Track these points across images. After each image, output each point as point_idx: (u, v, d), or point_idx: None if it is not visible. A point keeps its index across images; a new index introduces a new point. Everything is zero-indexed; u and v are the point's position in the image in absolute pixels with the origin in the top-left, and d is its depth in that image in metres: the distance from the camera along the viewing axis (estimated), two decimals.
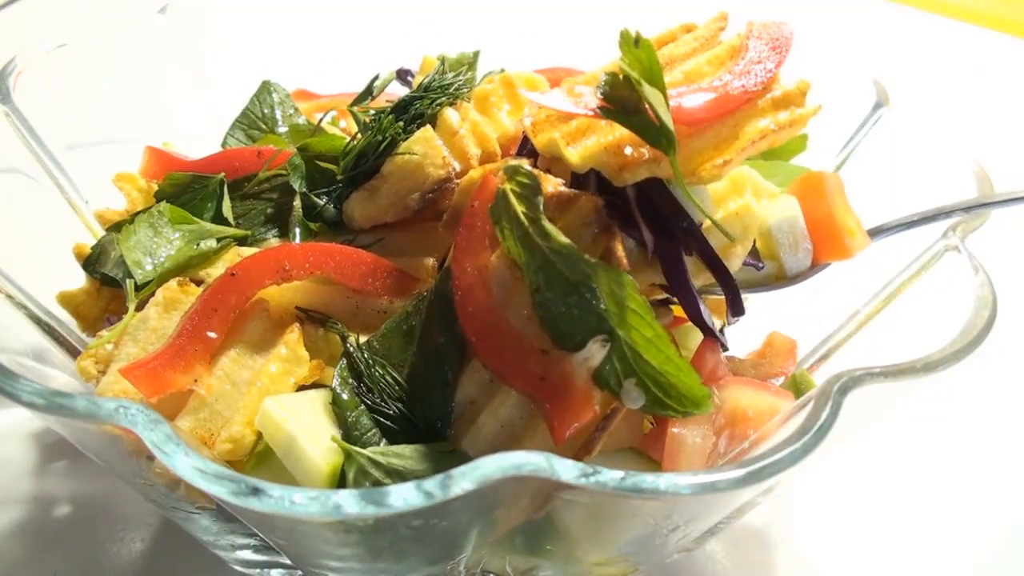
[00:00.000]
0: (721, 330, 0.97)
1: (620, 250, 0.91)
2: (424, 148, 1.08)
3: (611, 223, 0.92)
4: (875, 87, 1.33)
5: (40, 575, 1.08)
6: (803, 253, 1.05)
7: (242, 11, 1.72)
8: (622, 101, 0.86)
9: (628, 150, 0.88)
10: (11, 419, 1.26)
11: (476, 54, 1.61)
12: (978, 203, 1.01)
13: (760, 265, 1.05)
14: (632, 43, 0.84)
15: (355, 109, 1.20)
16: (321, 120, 1.25)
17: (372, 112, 1.16)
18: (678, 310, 1.28)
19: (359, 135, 1.18)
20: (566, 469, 0.65)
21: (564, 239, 0.84)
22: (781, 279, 1.06)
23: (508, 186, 0.88)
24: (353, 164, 1.10)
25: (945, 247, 1.02)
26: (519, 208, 0.86)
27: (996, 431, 1.35)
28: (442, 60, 1.35)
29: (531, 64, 1.58)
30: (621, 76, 0.86)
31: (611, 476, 0.65)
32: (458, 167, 1.08)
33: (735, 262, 0.96)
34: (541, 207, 0.86)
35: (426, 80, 1.17)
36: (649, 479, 0.65)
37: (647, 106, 0.84)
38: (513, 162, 0.93)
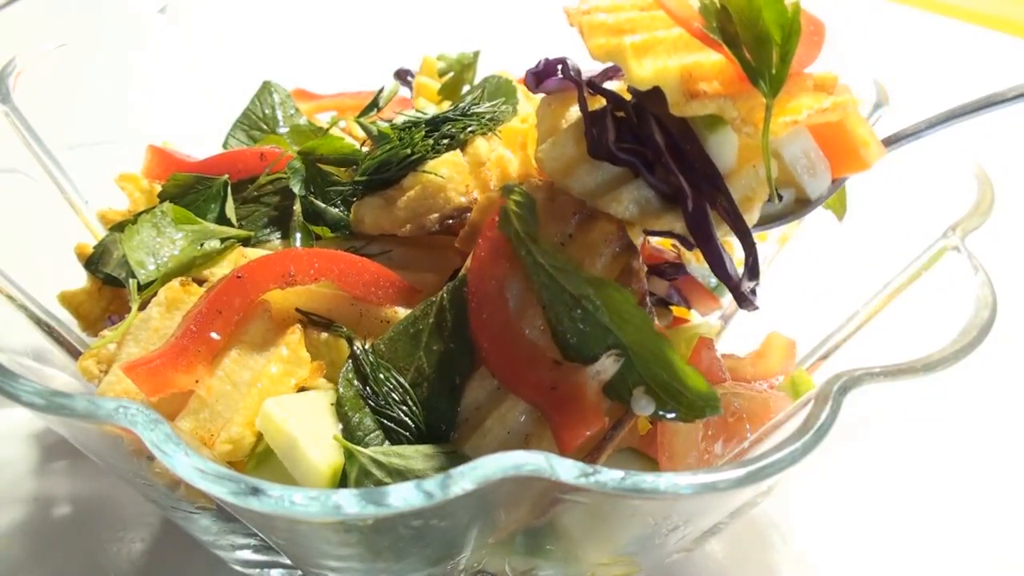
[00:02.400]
0: (752, 290, 0.94)
1: (640, 268, 0.92)
2: (451, 172, 1.08)
3: (632, 242, 0.92)
4: (875, 87, 1.33)
5: (40, 575, 1.08)
6: (822, 173, 1.00)
7: (242, 11, 1.72)
8: (723, 30, 0.84)
9: (702, 82, 0.85)
10: (11, 419, 1.26)
11: (476, 54, 1.61)
12: (994, 100, 0.98)
13: (779, 197, 0.98)
14: None
15: (363, 120, 1.20)
16: (331, 127, 1.25)
17: (404, 118, 1.15)
18: (678, 311, 1.28)
19: (368, 142, 1.19)
20: (566, 469, 0.65)
21: (560, 257, 0.85)
22: (803, 204, 1.02)
23: (508, 205, 0.89)
24: (374, 170, 1.10)
25: (945, 247, 1.02)
26: (519, 226, 0.87)
27: (996, 431, 1.35)
28: (483, 87, 1.35)
29: (531, 65, 1.58)
30: (719, 5, 0.84)
31: (611, 476, 0.65)
32: (478, 198, 1.08)
33: (753, 215, 0.93)
34: (535, 225, 0.87)
35: (464, 104, 1.17)
36: (649, 479, 0.65)
37: (744, 44, 0.83)
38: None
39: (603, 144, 0.92)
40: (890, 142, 1.03)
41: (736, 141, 0.91)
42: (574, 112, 0.99)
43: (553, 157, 0.95)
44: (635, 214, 0.91)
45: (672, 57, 0.87)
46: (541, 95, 1.02)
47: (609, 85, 0.97)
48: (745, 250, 0.92)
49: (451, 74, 1.61)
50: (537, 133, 1.01)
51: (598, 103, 0.96)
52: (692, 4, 0.90)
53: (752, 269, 0.92)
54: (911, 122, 1.08)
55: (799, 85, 0.90)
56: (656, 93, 0.87)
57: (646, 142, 0.92)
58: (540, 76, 1.00)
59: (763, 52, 0.83)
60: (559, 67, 0.99)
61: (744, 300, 0.93)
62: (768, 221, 0.99)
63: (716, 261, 0.90)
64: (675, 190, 0.90)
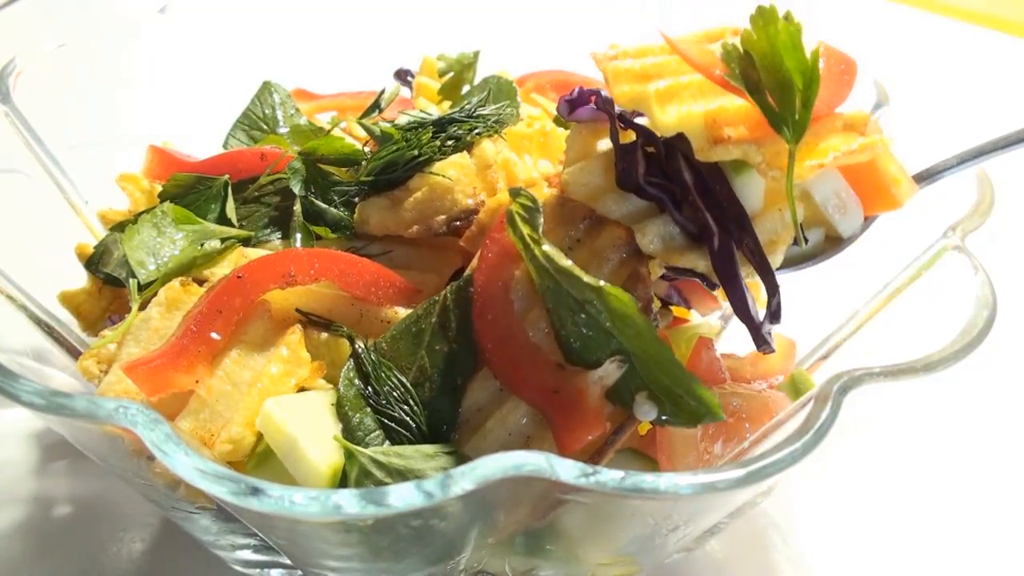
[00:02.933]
0: (768, 332, 0.94)
1: (647, 274, 0.92)
2: (458, 174, 1.08)
3: (640, 248, 0.92)
4: (875, 87, 1.33)
5: (40, 575, 1.08)
6: (854, 211, 0.99)
7: (242, 11, 1.72)
8: (746, 77, 0.84)
9: (727, 127, 0.85)
10: (11, 419, 1.26)
11: (476, 54, 1.62)
12: None
13: (805, 240, 0.97)
14: (766, 21, 0.82)
15: (365, 122, 1.20)
16: (332, 127, 1.25)
17: (410, 118, 1.15)
18: (678, 311, 1.28)
19: (369, 142, 1.19)
20: (566, 469, 0.65)
21: (565, 261, 0.85)
22: (833, 244, 1.02)
23: (514, 207, 0.89)
24: (380, 171, 1.10)
25: (945, 247, 1.02)
26: (525, 230, 0.87)
27: (996, 431, 1.35)
28: (488, 89, 1.35)
29: (531, 65, 1.58)
30: (743, 50, 0.84)
31: (611, 476, 0.65)
32: (485, 200, 1.09)
33: (777, 258, 0.93)
34: (540, 228, 0.87)
35: (470, 106, 1.17)
36: (649, 479, 0.65)
37: (767, 89, 0.83)
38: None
39: (632, 177, 0.93)
40: (921, 179, 1.03)
41: (762, 184, 0.91)
42: (604, 143, 1.00)
43: (581, 183, 0.96)
44: (659, 249, 0.92)
45: (697, 102, 0.87)
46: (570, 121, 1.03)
47: (640, 120, 0.98)
48: (768, 292, 0.92)
49: (451, 74, 1.61)
50: (565, 158, 1.02)
51: (629, 137, 0.96)
52: (714, 50, 0.90)
53: (775, 312, 0.93)
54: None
55: (828, 126, 0.91)
56: (684, 134, 0.88)
57: (674, 179, 0.92)
58: (573, 104, 1.01)
59: (786, 97, 0.83)
60: (593, 97, 1.00)
61: (763, 342, 0.93)
62: (799, 261, 1.00)
63: (739, 302, 0.91)
64: (701, 228, 0.91)
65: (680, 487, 0.66)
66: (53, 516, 1.16)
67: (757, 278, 0.92)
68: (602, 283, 0.82)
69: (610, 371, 0.83)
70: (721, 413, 0.81)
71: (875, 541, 1.18)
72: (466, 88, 1.59)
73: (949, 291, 0.96)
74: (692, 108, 0.87)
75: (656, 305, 0.95)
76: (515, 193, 0.91)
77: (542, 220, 0.89)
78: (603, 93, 0.99)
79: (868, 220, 1.01)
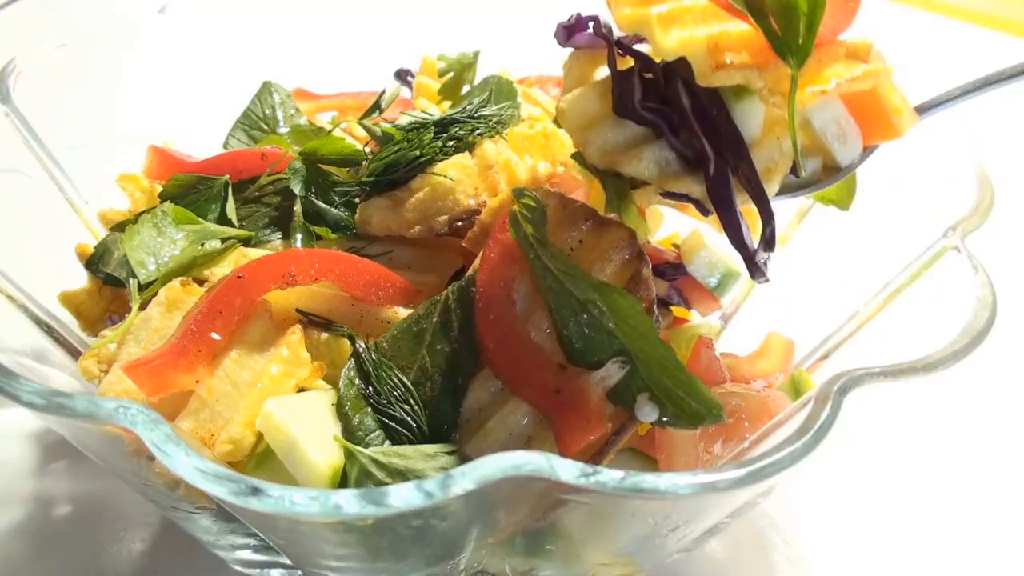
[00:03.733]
0: (765, 263, 0.93)
1: (649, 275, 0.92)
2: (459, 174, 1.08)
3: (642, 250, 0.92)
4: None
5: (40, 575, 1.08)
6: (853, 140, 0.97)
7: (242, 11, 1.72)
8: (749, 0, 0.83)
9: (729, 52, 0.83)
10: (11, 419, 1.26)
11: (476, 54, 1.62)
12: None
13: (802, 169, 0.95)
14: None
15: (366, 122, 1.20)
16: (333, 128, 1.25)
17: (411, 119, 1.15)
18: (678, 311, 1.28)
19: (370, 142, 1.19)
20: (566, 469, 0.65)
21: (568, 262, 0.85)
22: (830, 173, 0.99)
23: (517, 208, 0.89)
24: (381, 171, 1.10)
25: (945, 247, 1.02)
26: (528, 230, 0.87)
27: (996, 431, 1.35)
28: (489, 89, 1.35)
29: (531, 65, 1.58)
30: None
31: (611, 476, 0.65)
32: (487, 200, 1.09)
33: (773, 186, 0.91)
34: (545, 229, 0.87)
35: (472, 106, 1.17)
36: (649, 479, 0.65)
37: (771, 14, 0.82)
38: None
39: (628, 102, 0.91)
40: (923, 109, 1.01)
41: (762, 110, 0.90)
42: (602, 70, 0.98)
43: (577, 111, 0.95)
44: (654, 174, 0.90)
45: (699, 27, 0.85)
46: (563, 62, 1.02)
47: (639, 46, 0.96)
48: (763, 220, 0.90)
49: (451, 74, 1.61)
50: (562, 85, 1.00)
51: (626, 64, 0.95)
52: None
53: (769, 240, 0.91)
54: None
55: (831, 53, 0.89)
56: (684, 59, 0.86)
57: (672, 104, 0.90)
58: (571, 30, 0.99)
59: (790, 22, 0.82)
60: (591, 23, 0.97)
61: (757, 271, 0.92)
62: (795, 188, 0.98)
63: (733, 228, 0.89)
64: (697, 154, 0.89)
65: (680, 487, 0.66)
66: (53, 516, 1.16)
67: (752, 205, 0.91)
68: (605, 284, 0.82)
69: (612, 372, 0.83)
70: (723, 416, 0.81)
71: (875, 541, 1.18)
72: (466, 88, 1.59)
73: (949, 291, 0.96)
74: (694, 32, 0.85)
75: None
76: (519, 194, 0.91)
77: (545, 219, 0.89)
78: (600, 19, 0.97)
79: (867, 150, 0.99)
